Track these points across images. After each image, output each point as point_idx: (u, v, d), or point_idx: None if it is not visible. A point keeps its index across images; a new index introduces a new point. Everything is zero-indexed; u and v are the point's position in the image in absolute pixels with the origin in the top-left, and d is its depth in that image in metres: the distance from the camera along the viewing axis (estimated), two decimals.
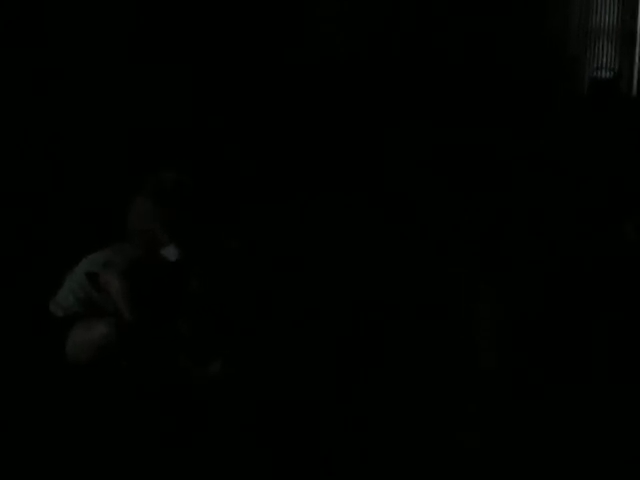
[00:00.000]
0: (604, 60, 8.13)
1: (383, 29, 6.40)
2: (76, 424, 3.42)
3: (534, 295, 4.41)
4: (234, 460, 3.30)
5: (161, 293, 3.79)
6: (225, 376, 3.70)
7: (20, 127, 5.22)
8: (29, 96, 5.28)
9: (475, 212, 5.30)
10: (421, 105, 6.23)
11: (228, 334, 3.84)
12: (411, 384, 3.78)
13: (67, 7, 5.42)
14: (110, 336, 3.66)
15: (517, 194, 5.51)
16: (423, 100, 6.25)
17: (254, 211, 4.77)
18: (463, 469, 3.29)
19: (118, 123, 5.45)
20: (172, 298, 3.80)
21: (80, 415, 3.47)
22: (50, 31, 5.37)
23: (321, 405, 3.60)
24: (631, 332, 4.19)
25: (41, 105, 5.30)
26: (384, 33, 6.40)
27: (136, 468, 3.23)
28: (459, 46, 6.47)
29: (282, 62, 6.03)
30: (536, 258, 4.76)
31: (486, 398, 3.73)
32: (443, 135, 6.05)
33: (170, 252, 3.82)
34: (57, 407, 3.51)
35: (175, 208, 3.83)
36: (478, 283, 4.52)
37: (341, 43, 6.29)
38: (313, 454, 3.34)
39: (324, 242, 4.86)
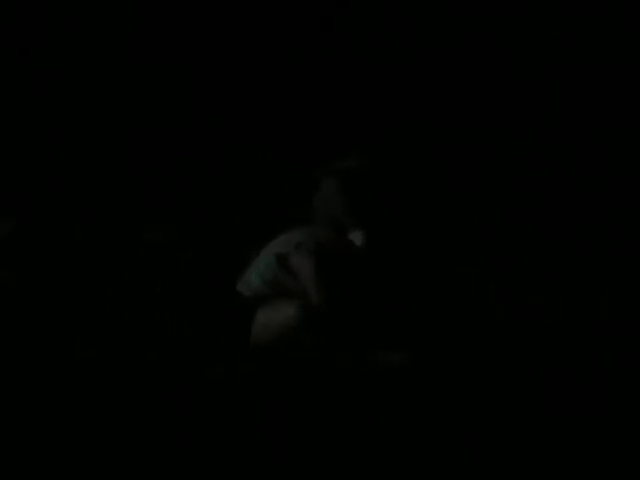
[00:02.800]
0: None
1: (383, 29, 6.39)
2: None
3: (548, 291, 4.40)
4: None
5: (349, 278, 3.74)
6: (406, 366, 3.62)
7: (20, 127, 5.22)
8: (29, 96, 5.28)
9: (485, 211, 5.29)
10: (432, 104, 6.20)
11: (412, 324, 3.80)
12: (421, 382, 3.75)
13: (67, 7, 5.42)
14: (297, 319, 3.62)
15: (528, 189, 5.48)
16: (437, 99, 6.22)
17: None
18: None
19: (118, 123, 5.45)
20: (360, 283, 3.75)
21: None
22: (50, 31, 5.37)
23: (335, 402, 3.57)
24: None
25: (41, 105, 5.29)
26: (384, 33, 6.40)
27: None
28: (464, 44, 6.45)
29: (282, 62, 6.03)
30: (548, 255, 4.74)
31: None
32: (453, 134, 6.02)
33: (357, 237, 3.80)
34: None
35: (362, 193, 3.80)
36: (488, 282, 4.51)
37: (341, 43, 6.29)
38: (327, 450, 3.31)
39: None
